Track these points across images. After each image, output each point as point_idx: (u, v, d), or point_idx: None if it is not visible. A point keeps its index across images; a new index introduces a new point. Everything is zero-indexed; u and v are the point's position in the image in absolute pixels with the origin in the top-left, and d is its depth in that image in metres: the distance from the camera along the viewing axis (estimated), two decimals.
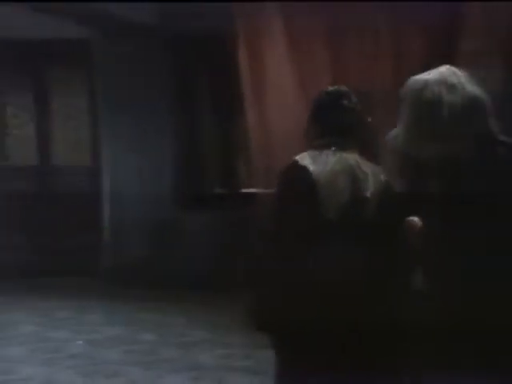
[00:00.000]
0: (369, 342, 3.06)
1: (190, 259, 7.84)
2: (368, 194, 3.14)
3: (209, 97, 8.25)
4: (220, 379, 4.76)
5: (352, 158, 3.19)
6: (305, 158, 3.18)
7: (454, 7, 4.81)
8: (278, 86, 5.01)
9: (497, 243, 2.70)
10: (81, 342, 5.93)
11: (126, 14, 7.19)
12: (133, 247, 8.10)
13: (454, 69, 2.77)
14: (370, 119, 3.31)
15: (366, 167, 3.16)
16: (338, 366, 3.09)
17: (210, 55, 7.90)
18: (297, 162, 3.14)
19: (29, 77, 8.60)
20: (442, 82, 2.73)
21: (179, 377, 4.91)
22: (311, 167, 3.13)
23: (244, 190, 7.99)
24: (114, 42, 7.93)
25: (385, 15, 4.82)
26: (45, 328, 6.38)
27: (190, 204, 8.15)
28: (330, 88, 3.41)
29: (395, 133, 2.86)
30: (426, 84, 2.74)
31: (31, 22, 7.62)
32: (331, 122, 3.22)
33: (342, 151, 3.19)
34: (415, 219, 2.84)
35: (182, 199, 8.21)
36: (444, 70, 2.77)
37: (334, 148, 3.18)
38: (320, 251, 3.10)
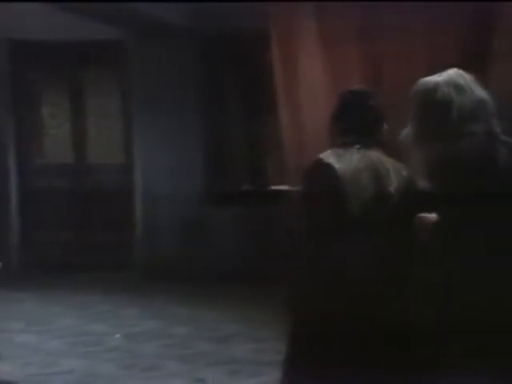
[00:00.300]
0: (390, 338, 3.10)
1: (219, 255, 7.93)
2: (391, 190, 3.20)
3: (238, 97, 8.30)
4: (256, 373, 4.82)
5: (374, 155, 3.26)
6: (329, 156, 3.25)
7: (488, 7, 4.79)
8: (310, 85, 5.04)
9: (496, 243, 2.76)
10: (118, 335, 6.04)
11: (159, 14, 7.25)
12: (164, 243, 8.19)
13: (461, 71, 2.88)
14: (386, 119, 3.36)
15: (388, 164, 3.22)
16: (356, 361, 3.14)
17: (240, 56, 7.97)
18: (321, 159, 3.22)
19: (64, 78, 8.69)
20: (452, 84, 2.85)
21: (216, 370, 4.97)
22: (336, 165, 3.21)
23: (272, 188, 8.08)
24: (146, 42, 8.00)
25: (418, 15, 4.82)
26: (84, 321, 6.50)
27: (219, 201, 8.22)
28: (354, 88, 3.49)
29: (407, 131, 2.99)
30: (436, 85, 2.86)
31: (67, 24, 7.70)
32: (354, 121, 3.28)
33: (365, 149, 3.27)
34: (428, 215, 2.92)
35: (212, 196, 8.28)
36: (452, 73, 2.89)
37: (357, 146, 3.27)
38: (345, 246, 3.16)
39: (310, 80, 4.83)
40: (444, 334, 2.85)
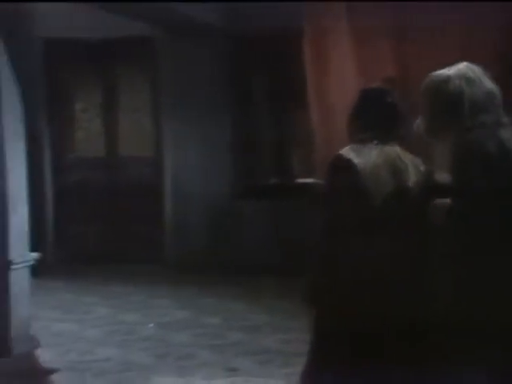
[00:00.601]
0: (411, 332, 3.12)
1: (248, 247, 8.00)
2: (410, 185, 3.25)
3: (266, 95, 8.37)
4: (286, 363, 4.87)
5: (393, 150, 3.30)
6: (349, 152, 3.31)
7: None
8: (341, 84, 5.07)
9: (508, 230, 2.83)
10: (152, 325, 6.14)
11: (190, 13, 7.31)
12: (193, 236, 8.30)
13: (471, 65, 2.96)
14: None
15: (406, 158, 3.28)
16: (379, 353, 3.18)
17: (270, 54, 8.02)
18: (341, 155, 3.27)
19: (96, 74, 8.79)
20: (462, 77, 2.91)
21: (247, 360, 5.06)
22: (355, 160, 3.26)
23: (299, 181, 8.14)
24: (177, 40, 8.08)
25: (449, 14, 4.83)
26: (118, 311, 6.61)
27: (248, 194, 8.30)
28: (373, 86, 3.54)
29: (418, 123, 3.06)
30: (448, 78, 2.92)
31: (99, 22, 7.80)
32: (373, 118, 3.32)
33: (383, 145, 3.32)
34: (443, 201, 2.97)
35: (240, 189, 8.36)
36: (463, 66, 2.96)
37: (375, 142, 3.32)
38: (367, 239, 3.20)
39: (341, 79, 4.87)
40: (458, 321, 2.88)
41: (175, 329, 5.99)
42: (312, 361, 3.32)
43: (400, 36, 4.88)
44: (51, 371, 4.90)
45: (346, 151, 3.28)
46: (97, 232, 8.73)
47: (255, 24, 7.58)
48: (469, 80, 2.90)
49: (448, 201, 2.93)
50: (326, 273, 3.26)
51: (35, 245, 5.61)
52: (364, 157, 3.24)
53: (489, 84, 2.93)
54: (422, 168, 3.28)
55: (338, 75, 5.05)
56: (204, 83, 8.14)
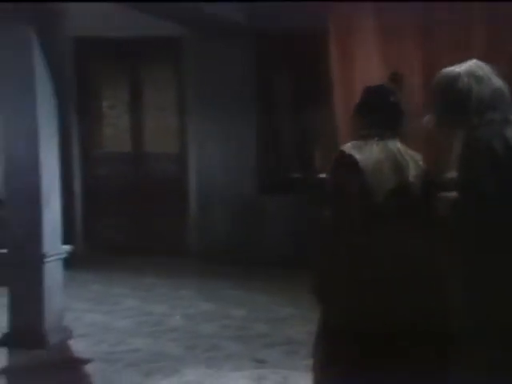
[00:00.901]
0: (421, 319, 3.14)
1: (271, 239, 8.02)
2: (411, 179, 3.27)
3: (289, 92, 8.36)
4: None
5: (394, 146, 3.33)
6: (350, 148, 3.34)
7: None
8: (367, 81, 5.06)
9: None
10: (178, 316, 6.16)
11: (216, 12, 7.31)
12: (218, 228, 8.32)
13: (480, 63, 2.98)
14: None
15: (407, 154, 3.31)
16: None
17: (294, 52, 8.01)
18: (344, 151, 3.29)
19: (124, 72, 8.83)
20: (472, 74, 2.94)
21: (274, 351, 5.07)
22: (358, 156, 3.27)
23: (321, 176, 8.13)
24: (203, 39, 8.09)
25: (472, 11, 4.79)
26: (146, 303, 6.64)
27: (271, 188, 8.31)
28: (376, 85, 3.56)
29: (428, 118, 3.09)
30: (458, 75, 2.94)
31: (127, 22, 7.84)
32: (376, 116, 3.35)
33: (385, 141, 3.35)
34: (449, 194, 3.02)
35: (263, 184, 8.37)
36: (472, 64, 2.98)
37: (376, 138, 3.34)
38: (369, 235, 3.22)
39: (366, 77, 4.84)
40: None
41: (201, 320, 6.01)
42: (322, 354, 3.33)
43: (426, 34, 4.84)
44: (85, 361, 4.96)
45: (348, 148, 3.30)
46: (124, 225, 8.78)
47: (280, 23, 7.58)
48: (477, 78, 2.92)
49: (453, 194, 2.96)
50: (329, 269, 3.27)
51: (65, 238, 5.67)
52: (366, 153, 3.26)
53: (497, 82, 2.95)
54: (422, 163, 3.31)
55: (364, 73, 5.02)
56: (228, 82, 8.16)
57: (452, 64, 3.06)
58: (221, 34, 7.91)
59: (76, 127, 8.66)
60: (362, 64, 5.18)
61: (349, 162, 3.24)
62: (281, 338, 5.40)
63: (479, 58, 3.05)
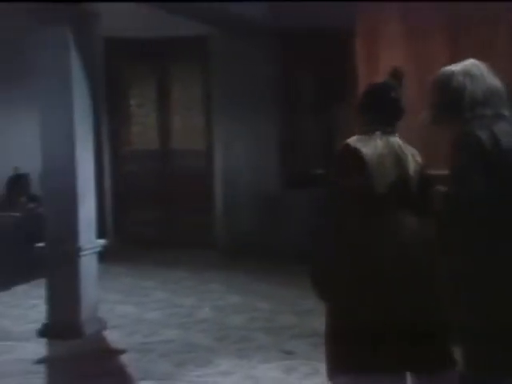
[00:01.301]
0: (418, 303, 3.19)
1: (294, 233, 8.00)
2: (410, 173, 3.33)
3: (313, 90, 8.34)
4: None
5: (395, 141, 3.38)
6: (356, 142, 3.37)
7: None
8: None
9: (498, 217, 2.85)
10: (207, 308, 6.16)
11: (242, 12, 7.31)
12: (243, 223, 8.33)
13: (477, 62, 3.02)
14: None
15: (406, 149, 3.36)
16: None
17: (318, 52, 7.98)
18: (349, 145, 3.31)
19: (152, 71, 8.84)
20: (467, 73, 2.98)
21: (302, 342, 5.04)
22: (363, 149, 3.30)
23: None
24: (229, 39, 8.10)
25: (502, 12, 4.75)
26: (175, 295, 6.65)
27: (294, 184, 8.30)
28: (378, 81, 3.59)
29: (424, 115, 3.12)
30: (452, 74, 3.00)
31: (155, 22, 7.86)
32: (378, 112, 3.37)
33: (386, 136, 3.38)
34: (442, 188, 3.06)
35: (287, 179, 8.37)
36: (469, 63, 3.03)
37: (378, 133, 3.37)
38: (373, 222, 3.25)
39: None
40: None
41: (230, 312, 6.00)
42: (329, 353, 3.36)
43: (452, 33, 4.80)
44: (119, 352, 4.98)
45: (353, 141, 3.34)
46: (152, 220, 8.82)
47: (304, 23, 7.55)
48: (472, 76, 2.97)
49: (445, 188, 3.02)
50: (330, 267, 3.28)
51: (97, 232, 5.70)
52: (371, 147, 3.29)
53: (492, 80, 2.99)
54: (418, 158, 3.36)
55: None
56: (254, 81, 8.15)
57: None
58: (247, 33, 7.91)
59: (106, 126, 8.70)
60: (386, 65, 5.15)
61: (354, 155, 3.29)
62: (308, 330, 5.36)
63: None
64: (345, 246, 3.26)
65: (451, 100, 2.97)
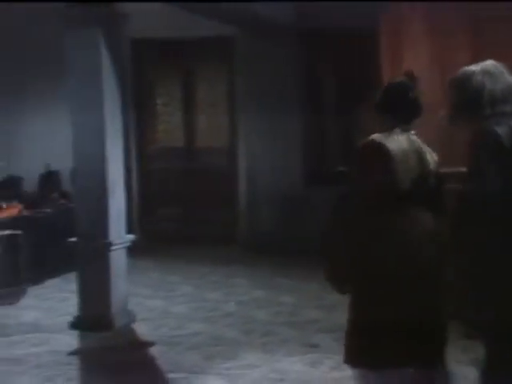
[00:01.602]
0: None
1: (316, 229, 7.95)
2: (430, 170, 3.32)
3: (334, 87, 8.31)
4: None
5: (415, 139, 3.37)
6: (381, 138, 3.37)
7: None
8: (424, 83, 4.99)
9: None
10: (233, 303, 6.16)
11: (265, 13, 7.30)
12: (266, 219, 8.32)
13: (495, 62, 3.04)
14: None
15: (424, 147, 3.36)
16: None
17: (341, 51, 7.96)
18: (375, 140, 3.28)
19: (177, 70, 8.87)
20: (486, 73, 2.99)
21: (326, 336, 5.01)
22: (388, 145, 3.30)
23: None
24: (253, 39, 8.10)
25: None
26: (200, 290, 6.67)
27: (316, 180, 8.28)
28: (396, 80, 3.59)
29: (443, 114, 3.13)
30: (472, 74, 3.00)
31: (180, 22, 7.85)
32: (398, 110, 3.33)
33: (406, 133, 3.37)
34: (457, 186, 3.09)
35: (309, 176, 8.35)
36: (488, 63, 3.04)
37: (398, 131, 3.34)
38: (393, 218, 3.23)
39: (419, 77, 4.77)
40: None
41: (254, 307, 6.00)
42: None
43: (475, 34, 4.75)
44: (149, 344, 4.99)
45: (378, 137, 3.34)
46: (177, 216, 8.85)
47: (328, 24, 7.53)
48: (491, 75, 2.98)
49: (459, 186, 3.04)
50: (352, 256, 3.26)
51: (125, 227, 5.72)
52: (394, 142, 3.27)
53: (510, 79, 3.01)
54: (434, 156, 3.36)
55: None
56: (277, 80, 8.15)
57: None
58: (271, 33, 7.90)
59: (132, 124, 8.73)
60: (410, 64, 5.12)
61: (380, 150, 3.29)
62: (332, 324, 5.31)
63: None
64: (361, 243, 3.25)
65: (470, 99, 2.98)
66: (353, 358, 3.30)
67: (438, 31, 4.85)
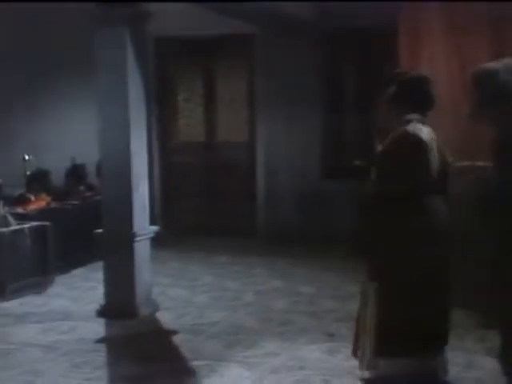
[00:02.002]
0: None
1: (333, 221, 7.96)
2: (448, 160, 3.49)
3: (352, 84, 8.27)
4: None
5: (431, 131, 3.47)
6: (415, 129, 3.40)
7: None
8: (441, 80, 4.95)
9: None
10: (251, 292, 6.16)
11: (285, 11, 7.27)
12: (285, 211, 8.32)
13: None
14: None
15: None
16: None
17: (359, 50, 7.91)
18: (408, 131, 3.40)
19: (199, 67, 8.86)
20: (509, 69, 3.04)
21: (343, 325, 4.98)
22: (423, 137, 3.33)
23: None
24: (272, 37, 8.07)
25: None
26: (221, 279, 6.68)
27: (333, 173, 8.25)
28: (413, 74, 3.61)
29: (469, 111, 3.15)
30: (497, 71, 3.03)
31: (202, 21, 7.87)
32: (416, 102, 3.47)
33: (424, 125, 3.43)
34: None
35: (326, 170, 8.32)
36: (509, 61, 3.08)
37: (415, 122, 3.45)
38: (425, 204, 3.40)
39: (437, 74, 4.73)
40: None
41: (273, 296, 6.00)
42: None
43: (492, 33, 4.69)
44: (172, 333, 5.01)
45: (413, 129, 3.40)
46: (197, 208, 8.86)
47: (349, 23, 7.50)
48: None
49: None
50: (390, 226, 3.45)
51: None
52: (424, 134, 3.37)
53: None
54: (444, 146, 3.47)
55: (431, 70, 4.92)
56: (296, 76, 8.12)
57: None
58: (290, 32, 7.87)
59: (155, 119, 8.74)
60: (427, 64, 5.08)
61: (416, 141, 3.35)
62: (348, 314, 5.24)
63: None
64: (393, 230, 3.38)
65: (496, 96, 2.99)
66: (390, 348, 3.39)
67: (455, 30, 4.80)
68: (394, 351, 3.54)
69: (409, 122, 3.49)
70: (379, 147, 3.70)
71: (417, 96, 3.48)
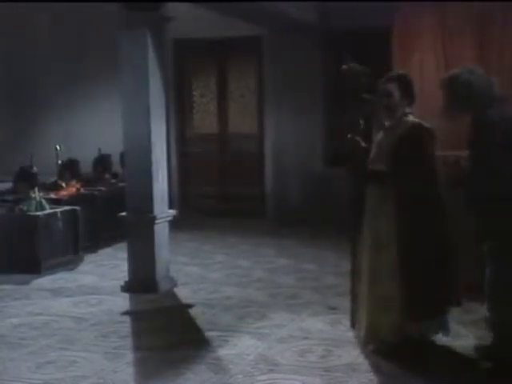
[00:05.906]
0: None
1: (336, 205, 7.92)
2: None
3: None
4: None
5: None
6: (423, 122, 3.52)
7: None
8: (428, 78, 4.89)
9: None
10: (260, 270, 6.15)
11: (291, 14, 7.22)
12: (291, 195, 8.31)
13: (473, 65, 3.32)
14: None
15: None
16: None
17: (361, 50, 7.83)
18: (422, 124, 3.53)
19: (212, 66, 8.84)
20: (470, 72, 3.26)
21: (344, 299, 4.88)
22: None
23: None
24: (279, 38, 8.03)
25: None
26: (232, 258, 6.68)
27: (335, 161, 8.23)
28: (408, 74, 3.86)
29: (441, 109, 3.36)
30: (457, 75, 3.24)
31: (215, 24, 7.85)
32: (413, 97, 3.63)
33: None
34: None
35: (330, 158, 8.29)
36: (469, 65, 3.31)
37: (411, 115, 3.61)
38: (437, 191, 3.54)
39: (427, 73, 4.69)
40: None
41: (281, 273, 6.00)
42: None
43: (481, 34, 4.62)
44: (189, 306, 5.03)
45: (422, 121, 3.58)
46: (211, 193, 8.87)
47: (350, 24, 7.44)
48: (475, 73, 3.19)
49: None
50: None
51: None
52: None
53: (488, 77, 3.26)
54: None
55: (417, 75, 4.83)
56: (300, 73, 8.08)
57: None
58: (295, 33, 7.82)
59: (173, 112, 8.73)
60: (418, 62, 5.02)
61: (434, 135, 3.50)
62: (347, 289, 5.25)
63: None
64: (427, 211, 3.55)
65: (461, 94, 3.16)
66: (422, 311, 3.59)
67: (448, 32, 4.72)
68: (426, 314, 3.65)
69: (407, 114, 3.60)
70: (377, 133, 3.95)
71: (413, 92, 3.59)
